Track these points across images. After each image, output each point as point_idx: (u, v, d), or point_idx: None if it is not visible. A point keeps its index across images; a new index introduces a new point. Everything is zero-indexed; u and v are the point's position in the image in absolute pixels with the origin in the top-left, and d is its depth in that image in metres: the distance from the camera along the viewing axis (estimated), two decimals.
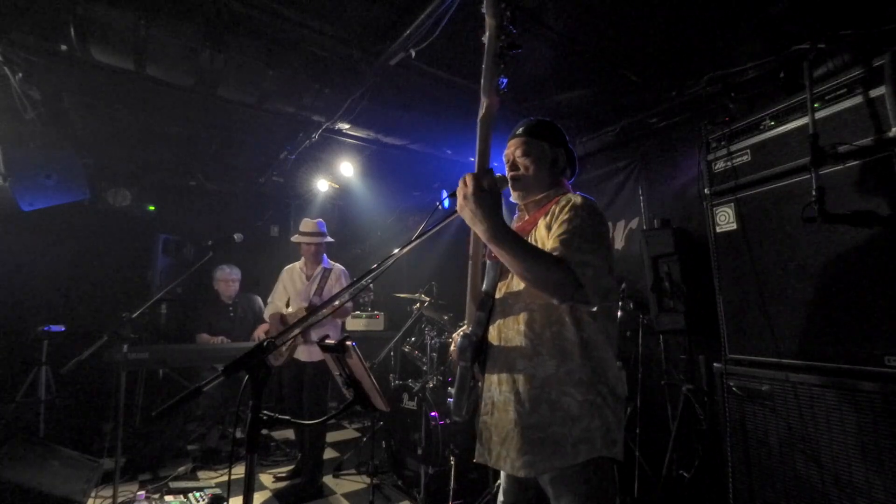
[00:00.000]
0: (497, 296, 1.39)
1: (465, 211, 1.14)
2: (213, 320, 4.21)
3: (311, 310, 3.14)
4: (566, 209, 1.28)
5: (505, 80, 1.13)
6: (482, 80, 1.13)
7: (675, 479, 2.65)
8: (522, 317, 1.31)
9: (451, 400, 1.40)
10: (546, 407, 1.23)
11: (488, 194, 1.13)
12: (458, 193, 1.16)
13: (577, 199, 1.31)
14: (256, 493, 3.06)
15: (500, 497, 1.45)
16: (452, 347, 1.51)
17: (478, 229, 1.15)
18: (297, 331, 2.78)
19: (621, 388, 1.29)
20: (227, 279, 4.33)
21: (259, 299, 4.50)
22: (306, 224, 3.45)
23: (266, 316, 3.56)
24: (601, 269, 1.18)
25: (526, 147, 1.43)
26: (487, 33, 1.09)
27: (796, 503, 1.74)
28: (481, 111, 1.14)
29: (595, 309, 1.26)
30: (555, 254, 1.17)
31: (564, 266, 1.13)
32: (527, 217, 1.47)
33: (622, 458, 1.24)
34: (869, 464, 1.56)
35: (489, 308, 1.37)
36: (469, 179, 1.14)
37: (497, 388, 1.33)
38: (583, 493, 1.20)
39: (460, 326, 3.17)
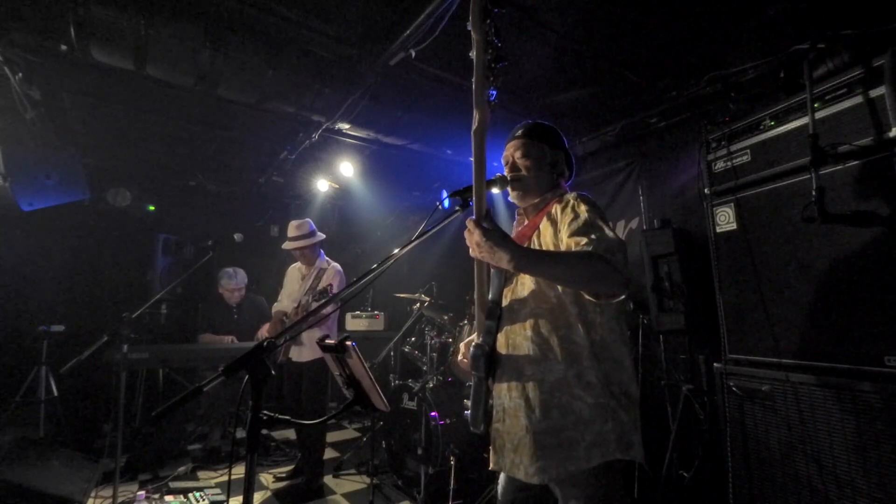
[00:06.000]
0: (503, 303, 1.38)
1: (486, 256, 1.16)
2: (216, 321, 4.19)
3: (299, 309, 3.16)
4: (568, 209, 1.30)
5: (494, 92, 1.16)
6: (474, 94, 1.15)
7: (675, 479, 2.65)
8: (529, 322, 1.30)
9: (468, 413, 1.39)
10: (557, 412, 1.22)
11: (494, 232, 1.14)
12: (468, 242, 1.18)
13: (574, 196, 1.34)
14: (256, 493, 3.06)
15: (499, 496, 1.45)
16: (460, 357, 1.50)
17: (502, 266, 1.16)
18: (287, 335, 2.80)
19: (635, 388, 1.28)
20: (233, 288, 4.20)
21: (263, 300, 4.47)
22: (290, 228, 3.38)
23: (273, 312, 3.58)
24: (621, 247, 1.19)
25: (526, 149, 1.44)
26: (474, 49, 1.12)
27: (796, 503, 1.74)
28: (474, 124, 1.16)
29: (605, 308, 1.27)
30: (583, 247, 1.17)
31: (603, 259, 1.12)
32: (526, 222, 1.48)
33: (642, 458, 1.23)
34: (869, 464, 1.56)
35: (497, 316, 1.36)
36: (473, 227, 1.16)
37: (507, 394, 1.32)
38: (593, 496, 1.19)
39: (460, 327, 3.20)
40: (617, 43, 2.63)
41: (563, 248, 1.26)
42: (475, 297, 1.35)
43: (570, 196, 1.34)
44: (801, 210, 1.75)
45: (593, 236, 1.19)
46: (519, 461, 1.26)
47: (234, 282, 4.20)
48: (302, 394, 3.24)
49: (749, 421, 1.93)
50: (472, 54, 1.13)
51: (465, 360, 1.45)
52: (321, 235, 3.45)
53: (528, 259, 1.16)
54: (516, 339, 1.33)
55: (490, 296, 1.38)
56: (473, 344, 1.37)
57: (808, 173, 1.74)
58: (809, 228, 1.78)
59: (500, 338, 1.37)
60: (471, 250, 1.19)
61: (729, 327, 2.09)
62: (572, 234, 1.22)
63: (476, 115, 1.15)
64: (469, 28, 1.11)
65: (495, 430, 1.36)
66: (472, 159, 1.18)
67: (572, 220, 1.26)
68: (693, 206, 2.94)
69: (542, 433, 1.22)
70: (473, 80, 1.14)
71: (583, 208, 1.28)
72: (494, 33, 1.10)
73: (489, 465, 1.37)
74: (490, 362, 1.33)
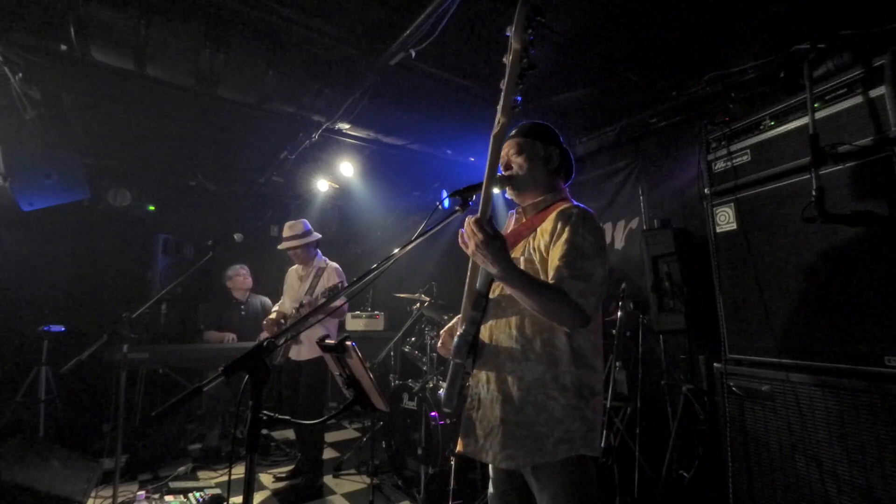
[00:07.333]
0: (491, 296, 1.41)
1: (478, 257, 1.21)
2: (223, 318, 4.24)
3: (301, 310, 3.16)
4: (569, 226, 1.30)
5: (520, 98, 1.18)
6: (501, 99, 1.17)
7: (675, 479, 2.65)
8: (514, 321, 1.36)
9: (442, 392, 1.45)
10: (531, 408, 1.29)
11: (496, 240, 1.18)
12: (467, 240, 1.21)
13: (576, 213, 1.33)
14: (256, 493, 3.06)
15: (490, 487, 1.50)
16: (440, 343, 1.56)
17: (490, 272, 1.23)
18: (289, 334, 2.80)
19: (601, 389, 1.38)
20: (240, 273, 4.39)
21: (268, 300, 4.53)
22: (284, 229, 3.42)
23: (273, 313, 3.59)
24: (600, 287, 1.25)
25: (518, 146, 1.47)
26: (511, 57, 1.14)
27: (796, 503, 1.74)
28: (496, 128, 1.19)
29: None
30: (559, 283, 1.23)
31: (569, 301, 1.20)
32: (524, 220, 1.49)
33: (600, 453, 1.32)
34: (869, 463, 1.56)
35: (483, 308, 1.39)
36: (476, 229, 1.18)
37: (485, 385, 1.39)
38: (565, 487, 1.26)
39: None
40: (617, 43, 2.63)
41: (550, 263, 1.30)
42: (466, 286, 1.38)
43: (576, 211, 1.33)
44: (801, 210, 1.75)
45: (576, 271, 1.23)
46: (489, 447, 1.34)
47: (236, 268, 4.38)
48: (300, 392, 3.24)
49: (749, 421, 1.93)
50: (507, 60, 1.15)
51: (444, 348, 1.51)
52: (316, 235, 3.45)
53: (514, 278, 1.21)
54: (500, 336, 1.38)
55: (477, 286, 1.41)
56: (458, 334, 1.40)
57: (808, 173, 1.74)
58: (809, 228, 1.78)
59: (484, 330, 1.42)
60: (467, 248, 1.23)
61: (729, 327, 2.09)
62: (561, 257, 1.27)
63: (500, 120, 1.18)
64: (508, 35, 1.13)
65: (469, 416, 1.43)
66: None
67: (568, 242, 1.28)
68: (693, 206, 2.94)
69: (515, 425, 1.30)
70: (504, 85, 1.16)
71: (582, 233, 1.29)
72: (531, 43, 1.12)
73: (457, 447, 1.45)
74: (471, 350, 1.39)
